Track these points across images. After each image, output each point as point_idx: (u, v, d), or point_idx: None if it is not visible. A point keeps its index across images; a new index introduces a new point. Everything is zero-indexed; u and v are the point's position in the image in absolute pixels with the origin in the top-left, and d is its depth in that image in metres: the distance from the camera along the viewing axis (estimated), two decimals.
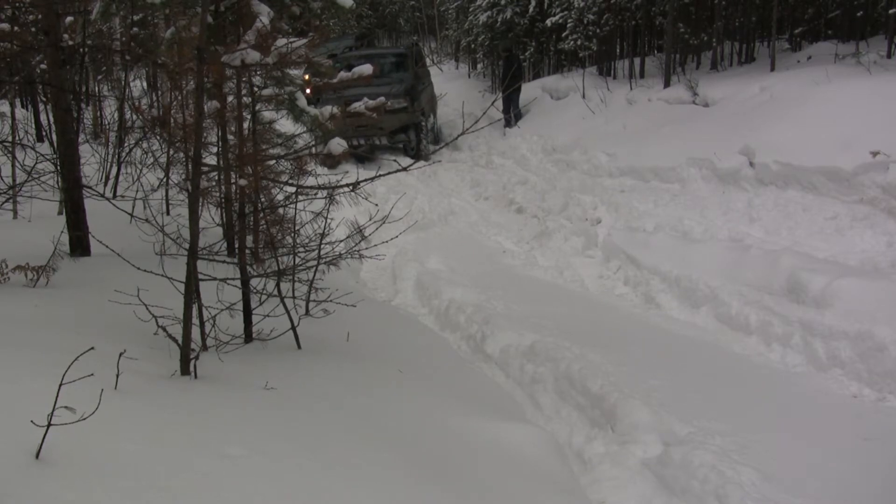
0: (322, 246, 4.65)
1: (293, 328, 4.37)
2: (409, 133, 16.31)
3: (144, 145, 8.29)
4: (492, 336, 5.80)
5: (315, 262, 4.63)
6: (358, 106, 5.04)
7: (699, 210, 10.26)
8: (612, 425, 4.37)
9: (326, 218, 4.85)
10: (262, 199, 5.31)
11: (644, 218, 10.18)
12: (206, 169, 4.59)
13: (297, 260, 4.65)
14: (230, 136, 5.75)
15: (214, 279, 3.94)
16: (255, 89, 5.73)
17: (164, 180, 7.50)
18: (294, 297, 4.66)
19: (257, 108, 6.16)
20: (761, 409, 4.85)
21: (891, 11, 11.05)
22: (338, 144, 4.26)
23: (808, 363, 5.80)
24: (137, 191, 5.90)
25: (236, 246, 4.79)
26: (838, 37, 14.06)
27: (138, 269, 3.65)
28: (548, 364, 5.15)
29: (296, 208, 5.09)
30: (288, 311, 4.34)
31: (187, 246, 3.64)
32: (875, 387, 5.29)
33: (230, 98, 5.36)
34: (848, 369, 5.53)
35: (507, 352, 5.55)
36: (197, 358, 3.56)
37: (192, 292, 3.63)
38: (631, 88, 16.11)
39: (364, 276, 8.42)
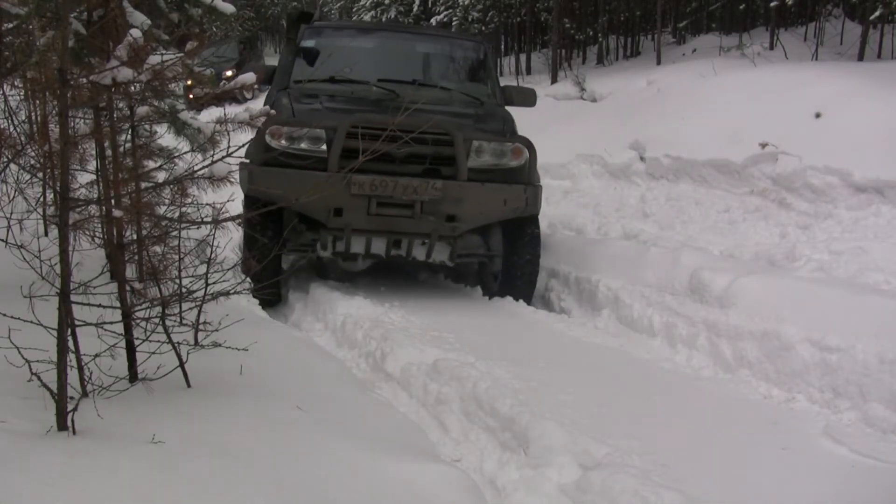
0: (209, 276, 4.25)
1: (181, 365, 3.99)
2: (523, 246, 7.60)
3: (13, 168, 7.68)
4: (392, 354, 5.53)
5: (202, 294, 4.23)
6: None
7: (592, 207, 10.22)
8: (524, 448, 4.14)
9: (213, 246, 4.48)
10: (145, 228, 4.91)
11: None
12: (77, 203, 4.19)
13: (183, 291, 4.24)
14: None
15: (88, 324, 3.53)
16: (133, 104, 5.33)
17: (41, 198, 6.98)
18: (182, 324, 4.26)
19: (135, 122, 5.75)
20: (676, 421, 4.70)
21: (772, 4, 11.19)
22: (223, 167, 3.87)
23: (716, 365, 5.70)
24: (11, 213, 5.37)
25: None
26: (721, 29, 14.27)
27: (3, 314, 3.22)
28: (453, 383, 4.90)
29: (179, 235, 4.69)
30: (175, 347, 3.95)
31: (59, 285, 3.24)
32: (784, 387, 5.21)
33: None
34: (756, 370, 5.44)
35: (408, 370, 5.29)
36: (75, 409, 3.18)
37: (65, 339, 3.24)
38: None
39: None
